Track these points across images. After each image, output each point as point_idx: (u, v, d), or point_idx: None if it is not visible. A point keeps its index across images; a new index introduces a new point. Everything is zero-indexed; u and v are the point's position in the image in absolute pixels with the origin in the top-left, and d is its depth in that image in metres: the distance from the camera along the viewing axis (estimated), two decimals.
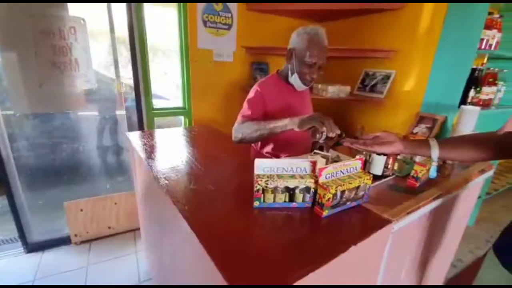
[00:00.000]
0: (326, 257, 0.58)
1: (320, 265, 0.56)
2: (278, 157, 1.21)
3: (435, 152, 0.77)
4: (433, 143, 0.78)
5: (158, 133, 1.49)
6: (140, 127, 1.90)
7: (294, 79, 1.13)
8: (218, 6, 1.89)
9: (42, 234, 1.79)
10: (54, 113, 1.67)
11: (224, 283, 0.50)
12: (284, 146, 1.21)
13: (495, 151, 0.73)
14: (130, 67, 1.79)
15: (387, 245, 0.78)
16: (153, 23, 1.77)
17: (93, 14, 1.59)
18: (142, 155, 1.14)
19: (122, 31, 1.69)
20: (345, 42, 2.14)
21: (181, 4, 1.78)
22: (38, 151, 1.69)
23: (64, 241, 1.80)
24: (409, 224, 0.85)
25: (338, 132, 0.90)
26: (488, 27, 1.46)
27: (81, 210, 1.82)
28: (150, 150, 1.21)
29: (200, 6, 1.82)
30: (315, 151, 1.10)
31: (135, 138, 1.36)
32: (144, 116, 1.89)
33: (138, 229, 2.02)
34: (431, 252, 1.18)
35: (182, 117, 2.10)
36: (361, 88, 2.07)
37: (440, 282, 1.56)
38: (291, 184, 0.74)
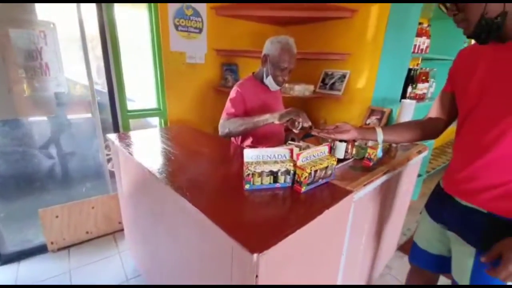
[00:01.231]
0: (307, 219, 0.75)
1: (303, 225, 0.73)
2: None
3: (380, 136, 1.00)
4: (379, 130, 1.01)
5: (140, 134, 1.55)
6: (116, 129, 1.91)
7: (269, 81, 1.31)
8: (189, 11, 1.97)
9: (15, 244, 1.72)
10: (23, 119, 1.62)
11: (234, 244, 0.65)
12: (261, 140, 1.37)
13: (421, 132, 0.99)
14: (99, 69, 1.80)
15: (350, 211, 0.99)
16: (124, 26, 1.80)
17: (63, 17, 1.58)
18: (131, 154, 1.21)
19: (94, 33, 1.69)
20: (306, 45, 2.37)
21: (152, 8, 1.83)
22: (7, 159, 1.62)
23: (40, 250, 1.75)
24: (366, 195, 1.08)
25: (310, 123, 1.10)
26: (419, 34, 1.79)
27: (57, 216, 1.79)
28: (138, 150, 1.28)
29: (171, 10, 1.89)
30: (289, 142, 1.29)
31: (118, 139, 1.41)
32: (119, 118, 1.90)
33: (118, 231, 2.03)
34: (384, 222, 1.44)
35: (154, 118, 2.15)
36: (322, 86, 2.33)
37: (393, 247, 1.87)
38: (275, 168, 0.91)
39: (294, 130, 1.13)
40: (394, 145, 1.42)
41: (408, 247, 2.02)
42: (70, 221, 1.84)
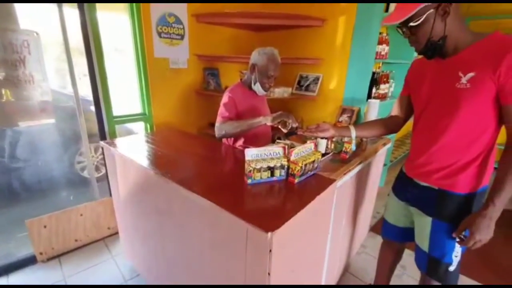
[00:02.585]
0: (303, 204, 0.91)
1: (301, 209, 0.89)
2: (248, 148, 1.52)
3: (353, 133, 1.21)
4: (352, 128, 1.23)
5: (131, 139, 1.61)
6: (102, 136, 1.92)
7: (257, 87, 1.46)
8: (171, 18, 2.05)
9: (0, 258, 1.67)
10: (6, 129, 1.58)
11: (249, 227, 0.79)
12: (252, 140, 1.52)
13: (385, 128, 1.22)
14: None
15: (334, 197, 1.17)
16: (108, 35, 1.82)
17: (46, 26, 1.57)
18: (132, 158, 1.28)
19: (78, 41, 1.70)
20: (281, 49, 2.51)
21: (135, 17, 1.87)
22: None
23: (29, 261, 1.72)
24: (345, 183, 1.27)
25: (297, 123, 1.28)
26: (380, 43, 2.06)
27: (45, 226, 1.77)
28: (136, 154, 1.34)
29: (154, 18, 1.95)
30: (277, 140, 1.46)
31: (113, 145, 1.46)
32: (105, 124, 1.91)
33: (108, 236, 2.05)
34: (359, 206, 1.67)
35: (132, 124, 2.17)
36: (298, 88, 2.53)
37: (366, 228, 2.13)
38: (271, 164, 1.06)
39: (284, 130, 1.30)
40: (364, 139, 1.65)
41: (379, 228, 2.31)
42: (58, 230, 1.82)
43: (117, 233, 2.06)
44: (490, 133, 0.89)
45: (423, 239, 1.10)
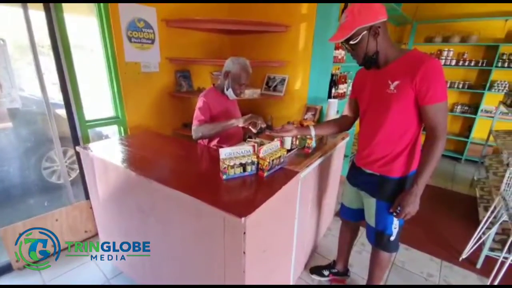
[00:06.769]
0: (271, 194, 1.09)
1: (269, 198, 1.06)
2: (222, 147, 1.66)
3: (312, 132, 1.42)
4: (311, 127, 1.43)
5: (107, 143, 1.67)
6: (75, 141, 1.93)
7: (229, 92, 1.61)
8: (140, 23, 2.09)
9: None
10: None
11: (226, 215, 0.94)
12: (226, 139, 1.66)
13: (338, 127, 1.45)
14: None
15: (299, 186, 1.36)
16: (77, 40, 1.83)
17: (13, 31, 1.56)
18: (112, 162, 1.36)
19: (46, 47, 1.70)
20: (249, 51, 2.70)
21: (104, 22, 1.90)
22: None
23: (5, 270, 1.71)
24: (308, 174, 1.47)
25: (265, 124, 1.45)
26: (337, 48, 2.29)
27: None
28: (116, 157, 1.42)
29: (124, 23, 1.98)
30: (248, 139, 1.62)
31: (91, 150, 1.51)
32: (78, 129, 1.92)
33: (85, 239, 2.07)
34: (323, 193, 1.89)
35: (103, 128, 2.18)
36: (266, 89, 2.71)
37: (332, 214, 2.39)
38: (243, 160, 1.22)
39: (254, 130, 1.46)
40: (324, 135, 1.87)
41: None
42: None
43: (94, 236, 2.10)
44: (414, 128, 1.13)
45: (370, 217, 1.33)
